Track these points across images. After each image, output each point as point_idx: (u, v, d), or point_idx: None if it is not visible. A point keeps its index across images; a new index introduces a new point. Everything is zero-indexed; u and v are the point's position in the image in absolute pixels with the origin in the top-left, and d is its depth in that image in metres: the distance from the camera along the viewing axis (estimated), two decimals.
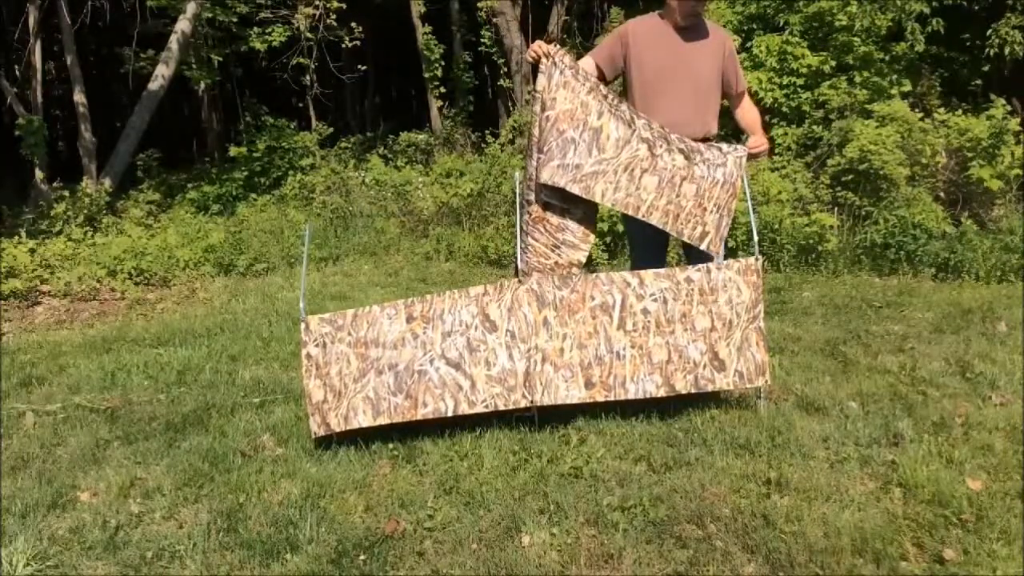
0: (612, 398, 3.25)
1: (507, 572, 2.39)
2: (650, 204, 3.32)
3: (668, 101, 3.52)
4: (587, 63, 3.60)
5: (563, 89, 3.27)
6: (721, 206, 3.37)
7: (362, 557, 2.49)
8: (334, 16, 9.93)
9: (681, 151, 3.37)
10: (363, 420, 3.19)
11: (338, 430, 3.21)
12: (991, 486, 2.67)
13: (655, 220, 3.35)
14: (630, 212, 3.34)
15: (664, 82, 3.54)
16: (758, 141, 3.65)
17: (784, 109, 7.67)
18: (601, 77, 3.58)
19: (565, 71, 3.27)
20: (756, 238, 3.53)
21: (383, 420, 3.19)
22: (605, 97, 3.33)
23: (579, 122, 3.29)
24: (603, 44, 3.74)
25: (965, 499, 2.58)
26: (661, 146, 3.35)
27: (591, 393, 3.24)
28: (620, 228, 6.51)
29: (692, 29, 3.57)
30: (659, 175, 3.33)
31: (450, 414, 3.20)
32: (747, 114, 3.82)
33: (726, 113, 3.80)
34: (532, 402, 3.21)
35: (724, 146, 3.45)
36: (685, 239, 3.39)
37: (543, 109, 3.28)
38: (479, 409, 3.20)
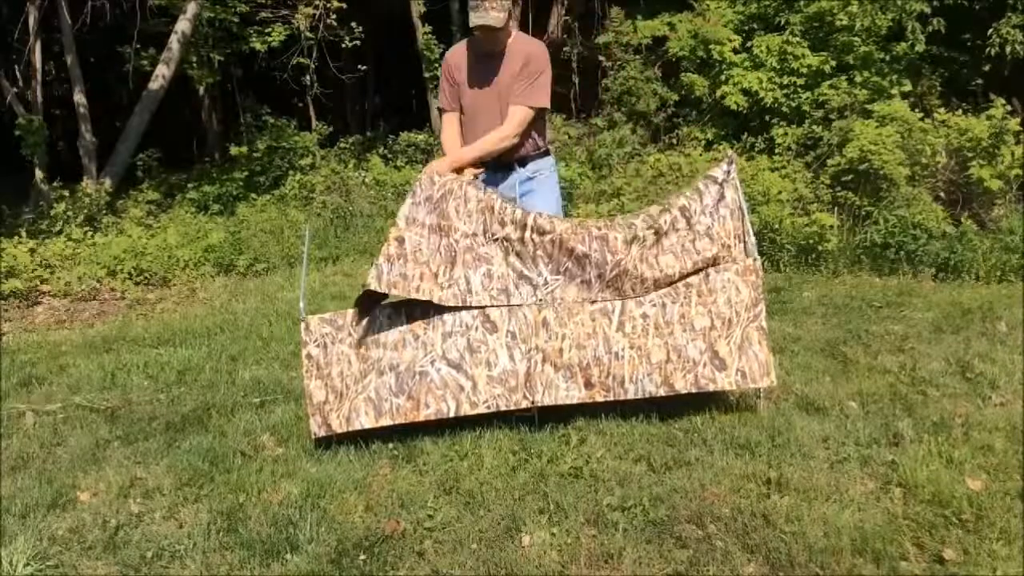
0: (612, 398, 3.25)
1: (507, 572, 2.39)
2: None
3: (483, 125, 3.49)
4: (448, 119, 3.60)
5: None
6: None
7: (362, 557, 2.49)
8: (334, 16, 9.92)
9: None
10: (365, 421, 3.19)
11: (339, 431, 3.21)
12: (991, 486, 2.67)
13: None
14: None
15: (479, 106, 3.52)
16: (444, 166, 3.42)
17: (784, 109, 7.67)
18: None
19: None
20: (754, 239, 3.53)
21: (385, 421, 3.19)
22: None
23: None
24: (441, 89, 3.66)
25: (965, 499, 2.59)
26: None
27: (591, 393, 3.23)
28: None
29: (503, 51, 3.48)
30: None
31: (452, 415, 3.19)
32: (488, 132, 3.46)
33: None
34: (533, 402, 3.21)
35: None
36: None
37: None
38: (481, 410, 3.20)
